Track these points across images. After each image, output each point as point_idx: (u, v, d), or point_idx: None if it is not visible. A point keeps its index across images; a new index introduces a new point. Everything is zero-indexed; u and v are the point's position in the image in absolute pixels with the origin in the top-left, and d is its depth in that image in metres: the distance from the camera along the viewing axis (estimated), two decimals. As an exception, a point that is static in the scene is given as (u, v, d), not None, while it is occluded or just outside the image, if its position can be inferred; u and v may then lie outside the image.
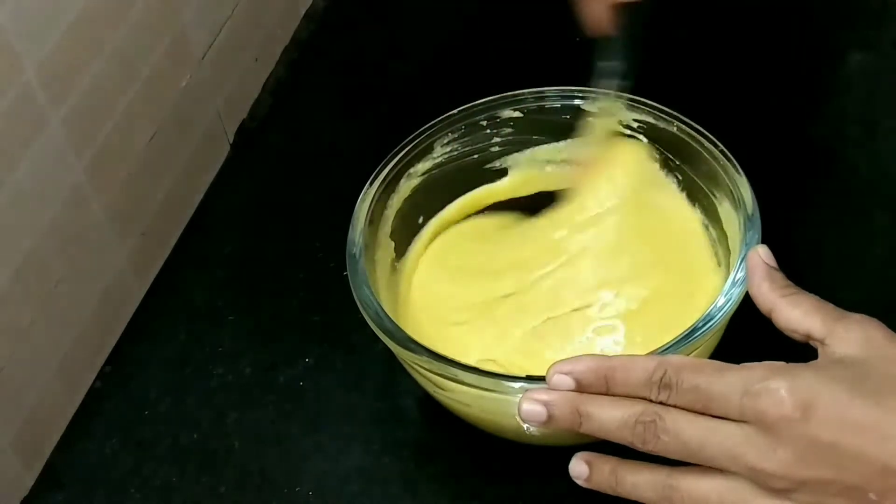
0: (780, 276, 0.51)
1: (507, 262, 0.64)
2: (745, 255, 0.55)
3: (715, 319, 0.53)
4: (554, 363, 0.49)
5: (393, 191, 0.64)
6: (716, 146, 0.61)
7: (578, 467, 0.49)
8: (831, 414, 0.43)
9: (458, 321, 0.62)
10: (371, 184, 0.62)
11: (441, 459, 0.62)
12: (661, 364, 0.47)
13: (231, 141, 0.80)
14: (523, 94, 0.66)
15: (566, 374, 0.48)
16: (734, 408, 0.45)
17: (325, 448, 0.63)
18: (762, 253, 0.52)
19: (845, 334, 0.46)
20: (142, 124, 0.68)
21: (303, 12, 0.88)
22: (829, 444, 0.43)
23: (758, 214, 0.57)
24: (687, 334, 0.52)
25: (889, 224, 0.69)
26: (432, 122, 0.65)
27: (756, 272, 0.51)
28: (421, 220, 0.67)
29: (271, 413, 0.64)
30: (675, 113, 0.63)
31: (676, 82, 0.71)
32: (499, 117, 0.66)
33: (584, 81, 0.65)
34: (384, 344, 0.56)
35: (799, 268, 0.67)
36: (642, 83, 0.62)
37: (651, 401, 0.47)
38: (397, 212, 0.64)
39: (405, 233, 0.65)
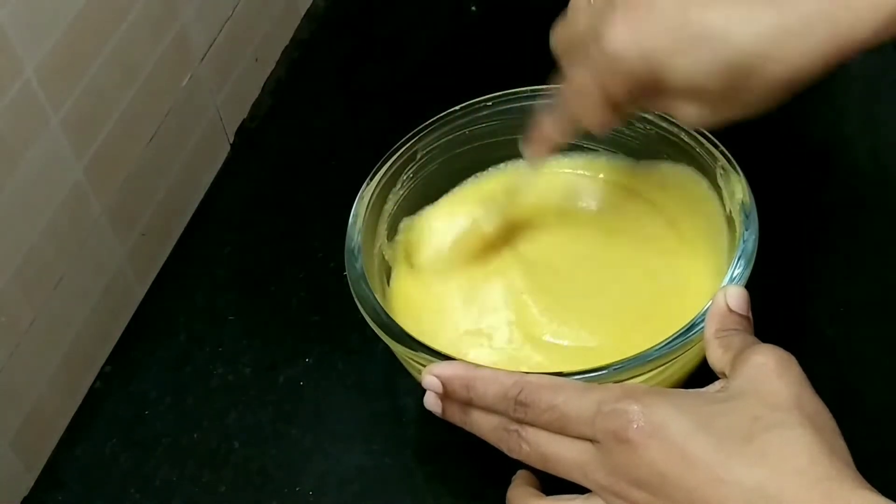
0: (733, 318, 0.50)
1: (508, 259, 0.64)
2: (740, 254, 0.55)
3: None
4: (430, 364, 0.51)
5: (392, 187, 0.64)
6: (716, 146, 0.61)
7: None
8: (671, 445, 0.43)
9: (458, 318, 0.62)
10: (370, 181, 0.62)
11: (441, 459, 0.62)
12: (518, 382, 0.48)
13: (231, 141, 0.80)
14: (523, 91, 0.66)
15: (436, 376, 0.50)
16: (588, 427, 0.45)
17: (325, 448, 0.63)
18: (729, 295, 0.50)
19: (740, 366, 0.46)
20: (142, 124, 0.68)
21: (303, 12, 0.88)
22: (662, 473, 0.43)
23: (755, 214, 0.57)
24: (685, 330, 0.53)
25: (889, 224, 0.68)
26: (431, 120, 0.65)
27: (711, 310, 0.51)
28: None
29: (271, 413, 0.65)
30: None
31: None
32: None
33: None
34: (384, 344, 0.56)
35: (798, 268, 0.67)
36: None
37: (510, 417, 0.48)
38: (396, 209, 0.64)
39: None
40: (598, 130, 0.54)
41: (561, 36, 0.54)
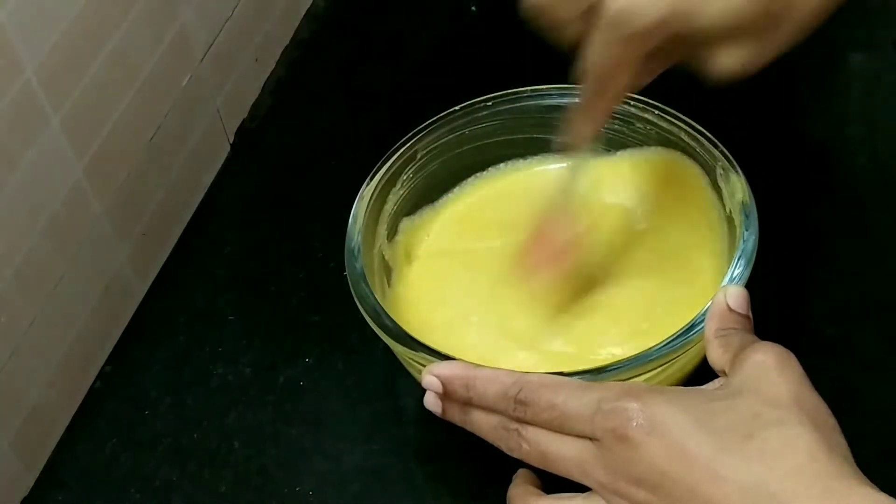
0: (733, 318, 0.50)
1: (508, 259, 0.64)
2: (740, 254, 0.55)
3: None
4: (430, 364, 0.51)
5: (392, 187, 0.64)
6: (716, 146, 0.61)
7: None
8: (671, 442, 0.43)
9: (458, 318, 0.62)
10: (370, 181, 0.62)
11: (441, 459, 0.62)
12: (518, 381, 0.48)
13: (231, 141, 0.80)
14: (523, 91, 0.66)
15: (436, 376, 0.50)
16: (587, 425, 0.45)
17: (325, 448, 0.63)
18: (729, 295, 0.51)
19: (740, 364, 0.46)
20: (142, 124, 0.68)
21: (303, 12, 0.88)
22: (662, 471, 0.43)
23: (755, 214, 0.57)
24: (685, 330, 0.53)
25: (889, 224, 0.69)
26: (431, 120, 0.65)
27: (711, 309, 0.51)
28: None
29: (271, 413, 0.65)
30: (675, 112, 0.63)
31: (676, 82, 0.71)
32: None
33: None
34: (384, 344, 0.56)
35: (798, 268, 0.67)
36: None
37: (510, 416, 0.48)
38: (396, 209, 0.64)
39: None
40: (633, 91, 0.52)
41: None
